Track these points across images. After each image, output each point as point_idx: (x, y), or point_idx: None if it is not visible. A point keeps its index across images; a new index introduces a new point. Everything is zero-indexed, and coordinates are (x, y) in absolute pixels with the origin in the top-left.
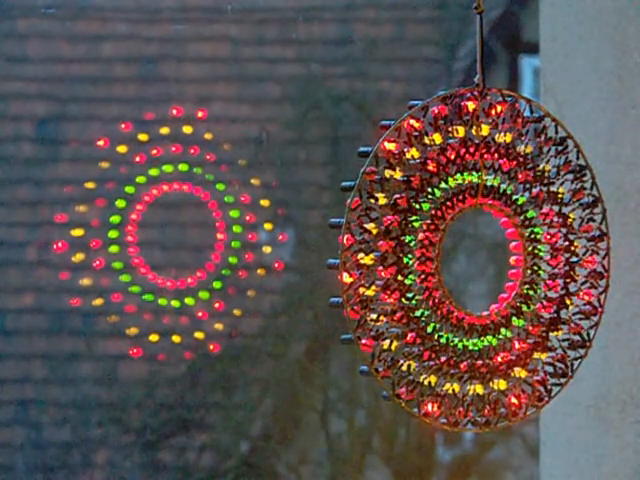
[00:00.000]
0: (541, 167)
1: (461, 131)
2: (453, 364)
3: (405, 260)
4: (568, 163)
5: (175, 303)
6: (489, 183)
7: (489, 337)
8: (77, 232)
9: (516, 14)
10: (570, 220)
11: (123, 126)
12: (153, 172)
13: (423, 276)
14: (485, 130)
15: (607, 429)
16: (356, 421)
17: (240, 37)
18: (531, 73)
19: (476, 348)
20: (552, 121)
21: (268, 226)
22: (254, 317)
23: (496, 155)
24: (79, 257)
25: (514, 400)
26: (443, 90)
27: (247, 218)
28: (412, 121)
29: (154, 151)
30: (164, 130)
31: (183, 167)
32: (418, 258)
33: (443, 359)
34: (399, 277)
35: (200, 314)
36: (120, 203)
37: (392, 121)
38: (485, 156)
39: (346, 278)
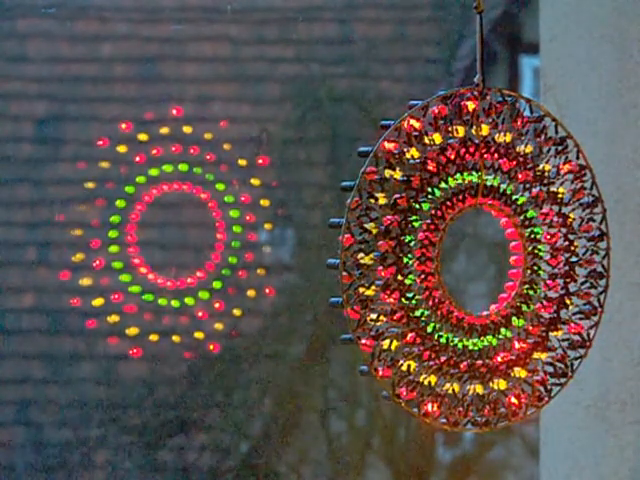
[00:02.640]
0: (541, 167)
1: (461, 131)
2: (453, 364)
3: (405, 260)
4: (567, 162)
5: (175, 303)
6: (489, 183)
7: (489, 337)
8: (77, 232)
9: (516, 14)
10: (570, 220)
11: (123, 126)
12: (153, 172)
13: (423, 276)
14: (485, 130)
15: (607, 429)
16: (356, 421)
17: (240, 37)
18: (531, 73)
19: (476, 348)
20: (552, 121)
21: (268, 226)
22: (254, 317)
23: (496, 155)
24: (79, 257)
25: (514, 400)
26: (443, 90)
27: (247, 218)
28: (412, 121)
29: (154, 151)
30: (164, 130)
31: (183, 167)
32: (418, 258)
33: (443, 359)
34: (399, 277)
35: (200, 314)
36: (120, 203)
37: (392, 121)
38: (485, 156)
39: (346, 278)
